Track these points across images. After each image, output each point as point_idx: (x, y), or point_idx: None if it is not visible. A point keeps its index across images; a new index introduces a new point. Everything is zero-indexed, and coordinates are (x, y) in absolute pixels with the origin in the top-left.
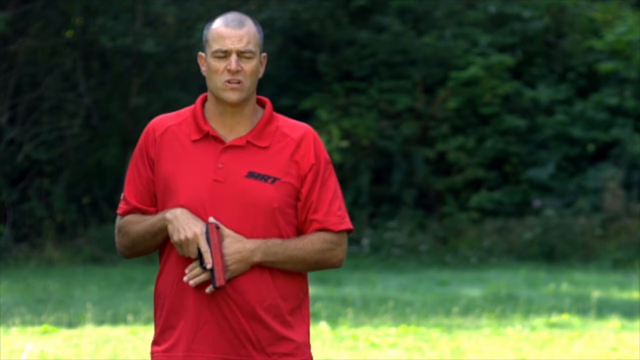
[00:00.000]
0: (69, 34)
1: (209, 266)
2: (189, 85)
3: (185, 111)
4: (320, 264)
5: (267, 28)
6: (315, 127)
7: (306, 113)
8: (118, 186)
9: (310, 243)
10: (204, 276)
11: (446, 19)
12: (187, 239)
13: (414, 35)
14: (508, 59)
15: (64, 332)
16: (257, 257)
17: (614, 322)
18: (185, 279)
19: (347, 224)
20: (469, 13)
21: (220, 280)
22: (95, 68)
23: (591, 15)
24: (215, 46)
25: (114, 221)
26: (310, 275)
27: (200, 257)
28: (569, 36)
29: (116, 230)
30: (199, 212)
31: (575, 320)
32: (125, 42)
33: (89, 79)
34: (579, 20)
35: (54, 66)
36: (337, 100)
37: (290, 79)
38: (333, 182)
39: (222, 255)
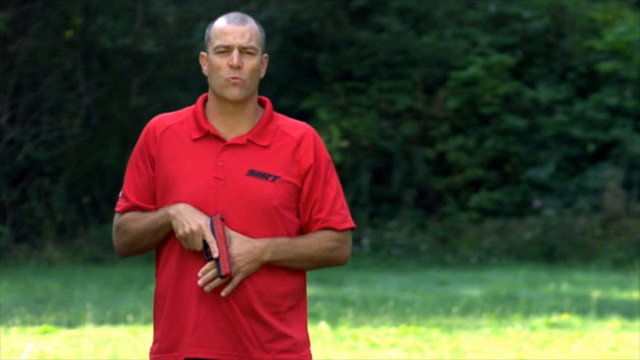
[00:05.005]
0: (69, 34)
1: (215, 255)
2: (189, 85)
3: (186, 111)
4: (327, 262)
5: (267, 28)
6: (315, 127)
7: (306, 113)
8: (118, 186)
9: (317, 241)
10: (217, 281)
11: (446, 19)
12: (192, 232)
13: (414, 35)
14: (508, 59)
15: (64, 332)
16: (267, 256)
17: (614, 322)
18: (200, 282)
19: (350, 223)
20: (469, 13)
21: (225, 269)
22: (95, 68)
23: (591, 15)
24: (217, 42)
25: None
26: (310, 275)
27: (205, 248)
28: (569, 36)
29: (114, 229)
30: (199, 210)
31: (575, 320)
32: (125, 42)
33: (89, 79)
34: (579, 20)
35: (54, 66)
36: (337, 100)
37: (290, 79)
38: (335, 181)
39: (227, 246)
